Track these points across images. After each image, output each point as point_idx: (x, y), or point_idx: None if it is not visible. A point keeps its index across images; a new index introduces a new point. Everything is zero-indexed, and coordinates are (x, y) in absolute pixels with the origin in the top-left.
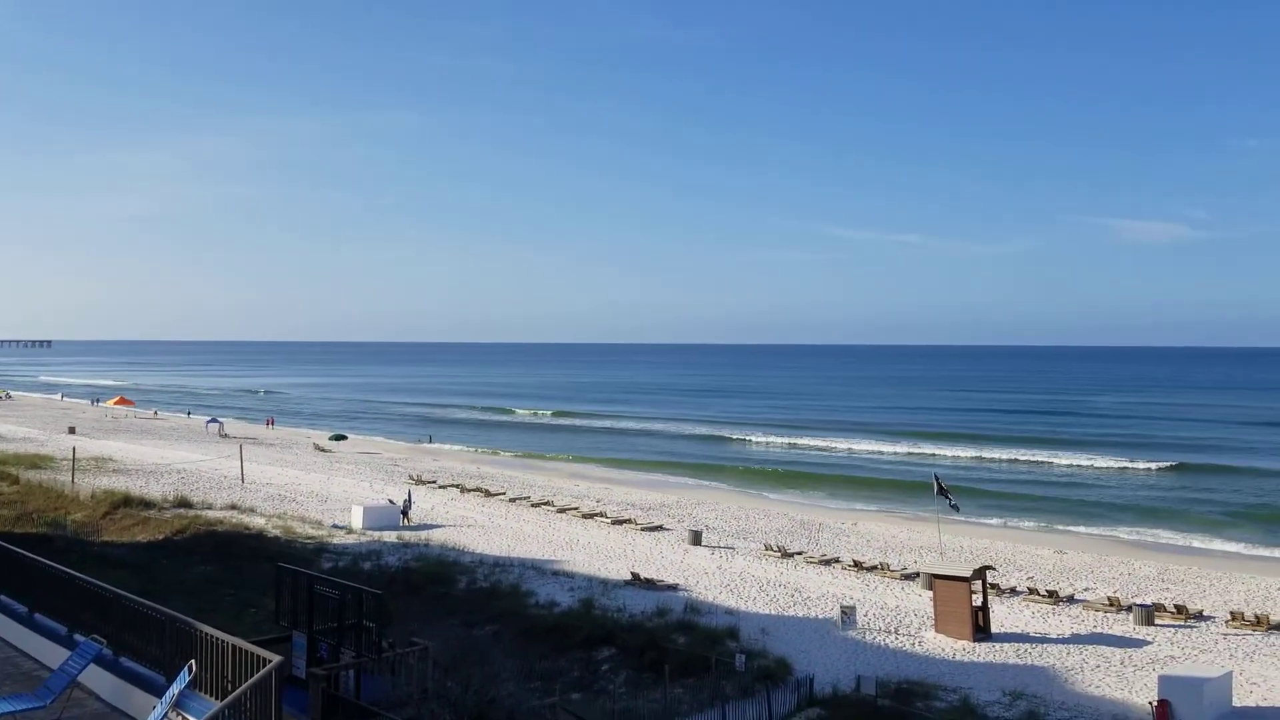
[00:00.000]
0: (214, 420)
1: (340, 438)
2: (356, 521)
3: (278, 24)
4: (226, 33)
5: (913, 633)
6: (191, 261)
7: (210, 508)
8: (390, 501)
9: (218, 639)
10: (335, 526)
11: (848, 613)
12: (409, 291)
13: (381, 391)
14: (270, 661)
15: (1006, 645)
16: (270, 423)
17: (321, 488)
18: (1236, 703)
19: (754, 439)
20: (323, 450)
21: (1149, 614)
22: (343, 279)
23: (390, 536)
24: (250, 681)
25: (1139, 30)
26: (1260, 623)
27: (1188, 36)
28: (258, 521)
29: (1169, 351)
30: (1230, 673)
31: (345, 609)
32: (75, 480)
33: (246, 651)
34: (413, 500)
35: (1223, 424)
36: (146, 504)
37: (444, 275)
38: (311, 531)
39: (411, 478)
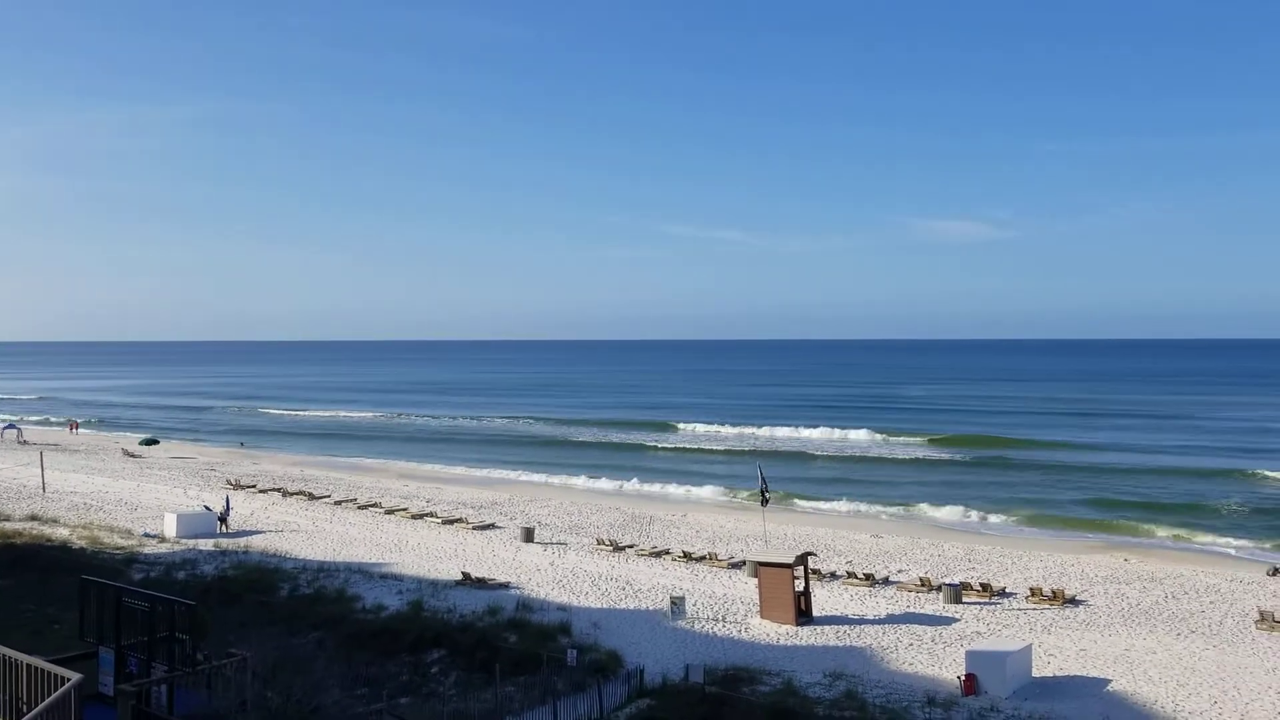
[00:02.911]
0: (10, 426)
1: (152, 442)
2: (170, 530)
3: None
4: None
5: (739, 620)
6: (41, 256)
7: (8, 519)
8: (206, 508)
9: (12, 658)
10: (147, 535)
11: (677, 603)
12: (249, 289)
13: (202, 393)
14: (69, 680)
15: (827, 628)
16: (74, 427)
17: (131, 495)
18: (1036, 673)
19: (588, 434)
20: (133, 456)
21: (957, 593)
22: (187, 275)
23: (207, 544)
24: (46, 702)
25: (947, 31)
26: (1056, 597)
27: (994, 40)
28: (61, 532)
29: (980, 344)
30: (1030, 645)
31: (156, 621)
32: None
33: (43, 670)
34: (231, 506)
35: (1022, 413)
36: None
37: (280, 273)
38: (121, 541)
39: (230, 482)
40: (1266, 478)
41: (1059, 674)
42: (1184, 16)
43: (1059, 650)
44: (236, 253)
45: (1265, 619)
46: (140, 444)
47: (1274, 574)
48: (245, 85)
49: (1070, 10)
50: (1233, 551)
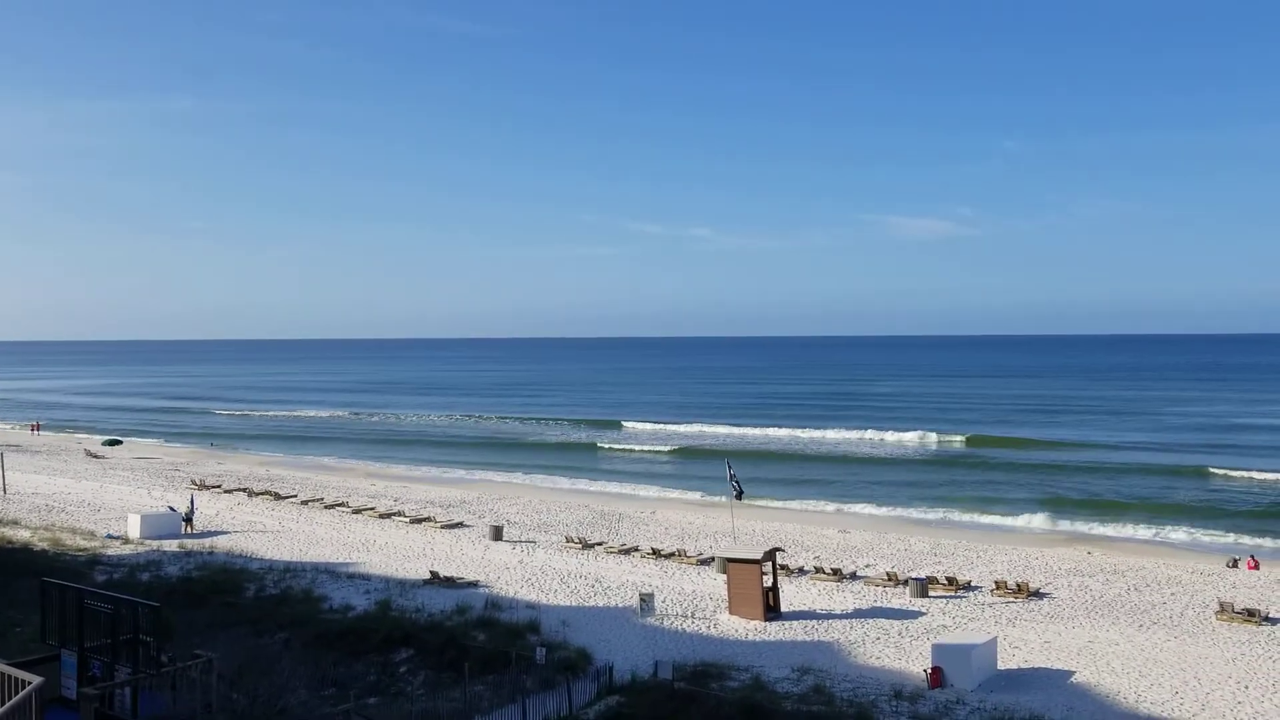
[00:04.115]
0: None
1: (115, 442)
2: (134, 531)
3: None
4: None
5: (708, 616)
6: None
7: None
8: (171, 509)
9: None
10: (110, 537)
11: (646, 600)
12: (204, 288)
13: (162, 393)
14: (30, 684)
15: (795, 623)
16: (35, 428)
17: (95, 496)
18: (1001, 666)
19: (557, 432)
20: (96, 457)
21: (923, 586)
22: (138, 274)
23: (171, 545)
24: (7, 706)
25: (912, 31)
26: (1021, 590)
27: (957, 40)
28: (22, 534)
29: (948, 340)
30: (995, 638)
31: (119, 624)
32: None
33: (3, 674)
34: (196, 506)
35: (987, 408)
36: None
37: (233, 269)
38: (84, 543)
39: (195, 483)
40: (1224, 472)
41: (1024, 666)
42: (1141, 16)
43: (1024, 643)
44: (192, 251)
45: (1225, 610)
46: (103, 444)
47: (1233, 566)
48: (195, 83)
49: (1028, 10)
50: (1193, 544)
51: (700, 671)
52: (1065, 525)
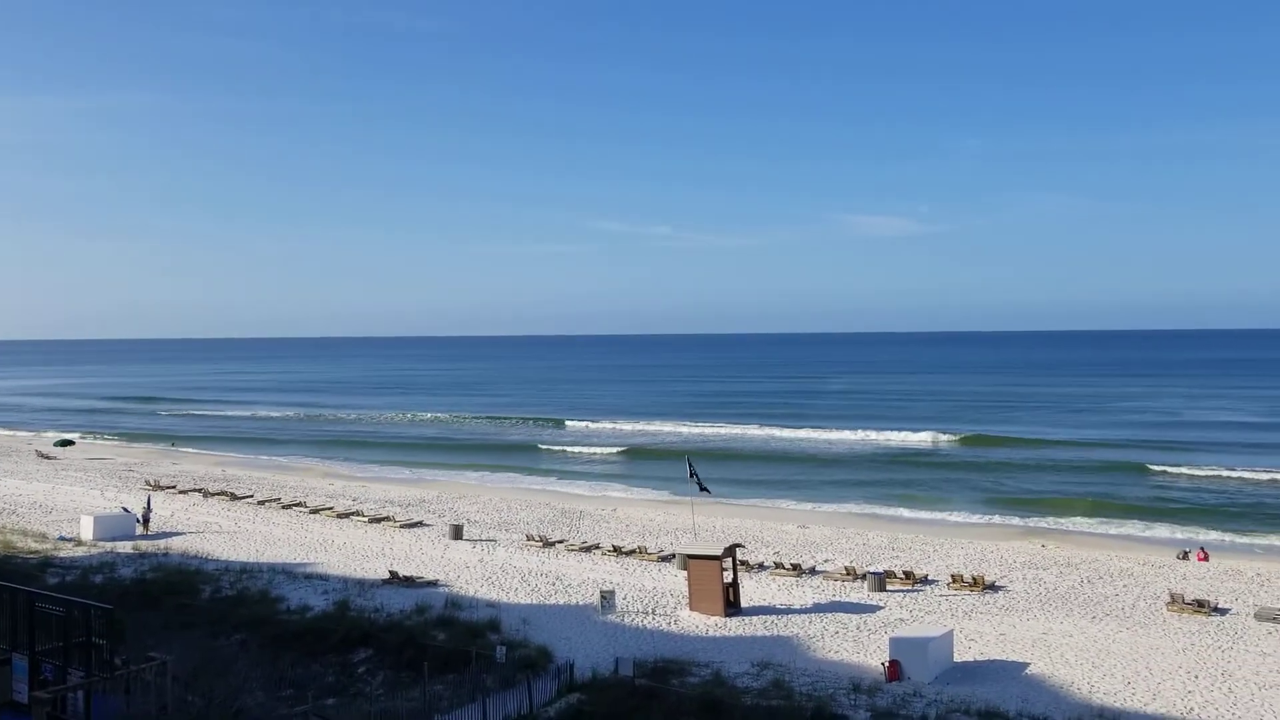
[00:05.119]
0: None
1: (67, 443)
2: (86, 532)
3: None
4: None
5: (669, 612)
6: None
7: None
8: (125, 510)
9: None
10: (62, 539)
11: (607, 597)
12: (162, 284)
13: (110, 395)
14: None
15: (755, 618)
16: None
17: (46, 498)
18: (958, 658)
19: (520, 431)
20: (47, 458)
21: (881, 581)
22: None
23: (125, 547)
24: None
25: (870, 27)
26: (977, 583)
27: (917, 36)
28: None
29: (906, 336)
30: (951, 631)
31: (72, 626)
32: None
33: None
34: (152, 507)
35: (943, 403)
36: None
37: (186, 268)
38: (35, 545)
39: (149, 483)
40: (1174, 466)
41: (980, 658)
42: (1095, 12)
43: (979, 635)
44: (141, 251)
45: (1175, 601)
46: (55, 445)
47: (1183, 558)
48: (118, 78)
49: (983, 5)
50: (1144, 537)
51: (661, 668)
52: (1020, 519)
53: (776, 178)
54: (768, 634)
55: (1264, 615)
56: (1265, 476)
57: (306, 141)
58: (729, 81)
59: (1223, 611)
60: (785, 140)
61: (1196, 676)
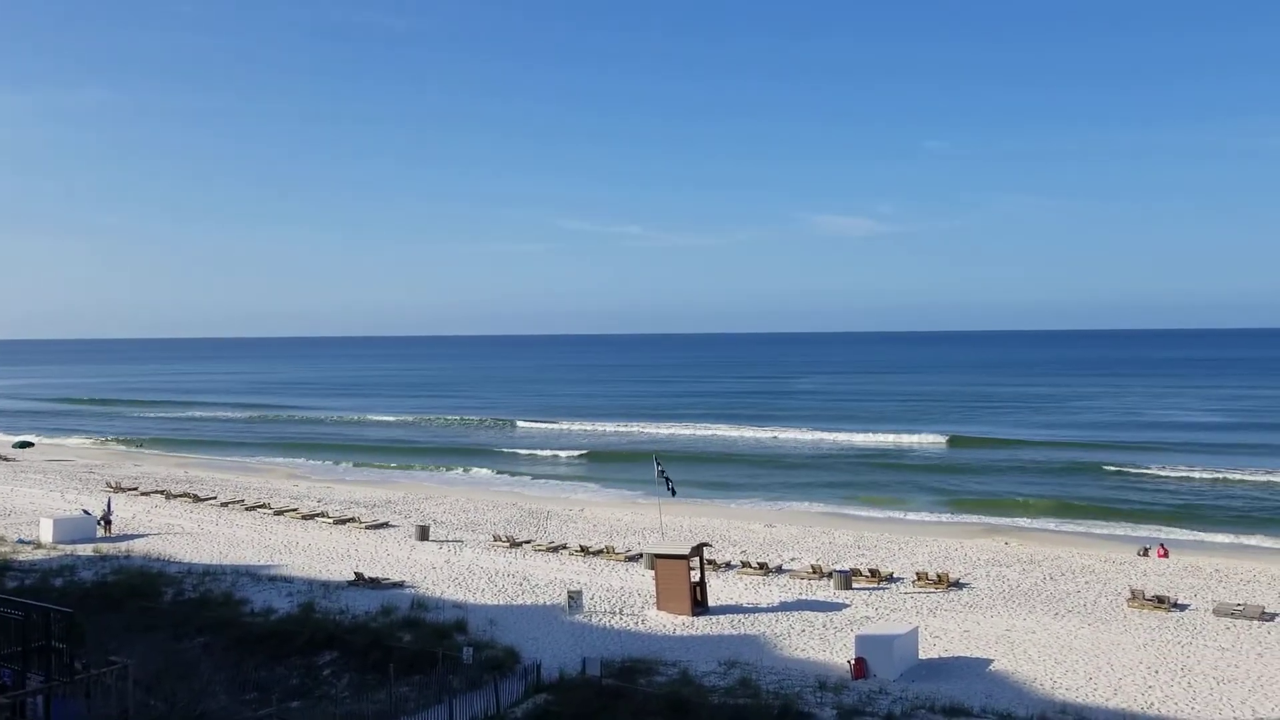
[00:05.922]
0: None
1: (26, 444)
2: (46, 535)
3: None
4: None
5: (636, 612)
6: None
7: None
8: (85, 512)
9: None
10: (21, 542)
11: (574, 597)
12: (107, 284)
13: (66, 396)
14: None
15: (722, 617)
16: None
17: (4, 500)
18: (923, 655)
19: (486, 433)
20: (5, 459)
21: (847, 579)
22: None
23: (86, 549)
24: None
25: (835, 27)
26: (941, 581)
27: (880, 36)
28: None
29: (871, 336)
30: (916, 628)
31: (30, 630)
32: None
33: None
34: (113, 509)
35: (908, 402)
36: None
37: (141, 265)
38: None
39: (110, 485)
40: (1136, 465)
41: (944, 655)
42: (1055, 14)
43: (944, 632)
44: (81, 246)
45: (1136, 597)
46: (14, 446)
47: (1144, 554)
48: (73, 75)
49: (945, 7)
50: (1105, 534)
51: (628, 667)
52: (984, 517)
53: (745, 177)
54: (735, 633)
55: (1222, 611)
56: (1224, 475)
57: (266, 140)
58: (700, 83)
59: (1182, 607)
60: (755, 140)
61: (1157, 671)
